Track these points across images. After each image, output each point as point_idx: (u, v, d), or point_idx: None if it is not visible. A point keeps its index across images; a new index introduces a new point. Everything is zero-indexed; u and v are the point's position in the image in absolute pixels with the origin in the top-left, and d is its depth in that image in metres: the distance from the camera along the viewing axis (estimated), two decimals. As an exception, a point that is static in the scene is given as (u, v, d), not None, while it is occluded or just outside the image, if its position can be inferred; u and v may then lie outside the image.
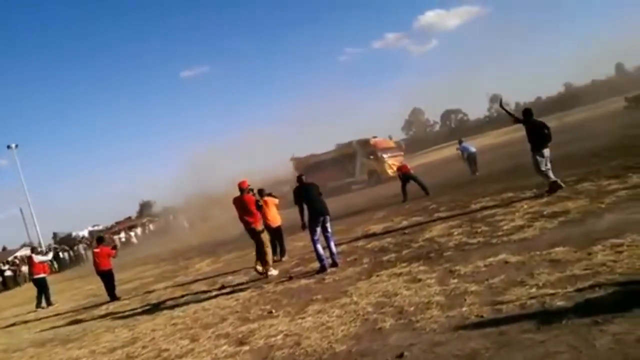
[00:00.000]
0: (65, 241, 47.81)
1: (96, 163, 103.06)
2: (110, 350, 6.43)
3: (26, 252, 42.75)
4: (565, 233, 6.08)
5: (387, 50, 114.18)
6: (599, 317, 3.43)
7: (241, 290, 8.12)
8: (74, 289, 16.06)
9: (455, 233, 7.82)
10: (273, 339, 5.01)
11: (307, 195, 8.01)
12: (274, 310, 6.14)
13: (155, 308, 8.67)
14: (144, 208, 65.37)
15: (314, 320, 5.24)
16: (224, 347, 5.19)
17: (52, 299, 13.27)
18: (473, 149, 17.29)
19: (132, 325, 7.77)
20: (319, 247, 7.80)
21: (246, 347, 4.99)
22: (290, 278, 7.96)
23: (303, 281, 7.46)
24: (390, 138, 29.79)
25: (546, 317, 3.72)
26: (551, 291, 4.21)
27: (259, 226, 8.89)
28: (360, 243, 9.35)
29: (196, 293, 9.04)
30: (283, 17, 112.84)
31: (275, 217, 9.97)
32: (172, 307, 8.27)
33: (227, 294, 8.05)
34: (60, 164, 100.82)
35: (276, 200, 10.25)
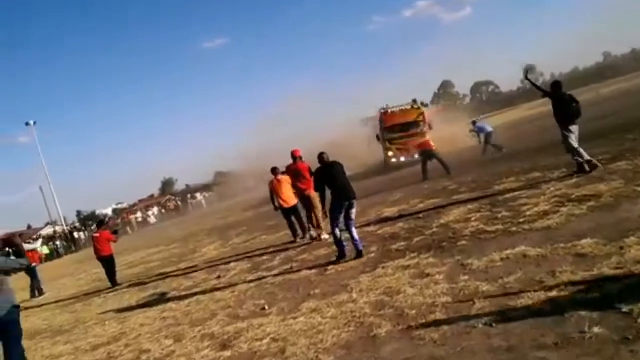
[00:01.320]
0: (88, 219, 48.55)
1: (122, 141, 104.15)
2: (93, 348, 6.04)
3: (49, 230, 43.90)
4: (594, 221, 5.27)
5: (417, 19, 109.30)
6: (629, 332, 2.78)
7: (240, 280, 7.58)
8: (82, 272, 16.00)
9: (473, 219, 7.03)
10: (258, 343, 4.43)
11: (330, 176, 6.88)
12: (267, 307, 5.56)
13: (150, 298, 8.25)
14: (166, 186, 66.10)
15: (305, 322, 4.62)
16: (205, 352, 4.65)
17: (44, 287, 12.93)
18: (489, 128, 16.18)
19: (123, 317, 7.37)
20: (338, 232, 6.77)
21: (228, 353, 4.43)
22: (292, 268, 7.35)
23: (304, 272, 6.84)
24: (416, 103, 23.58)
25: (566, 329, 3.02)
26: (574, 295, 3.49)
27: (313, 192, 8.71)
28: (372, 228, 8.66)
29: (195, 282, 8.57)
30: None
31: (290, 197, 9.48)
32: (167, 299, 7.83)
33: (226, 286, 7.50)
34: (86, 142, 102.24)
35: (290, 180, 9.65)
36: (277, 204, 9.57)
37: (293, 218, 9.67)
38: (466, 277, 4.52)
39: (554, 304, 3.49)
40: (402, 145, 21.80)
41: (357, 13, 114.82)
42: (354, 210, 6.84)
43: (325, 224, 8.81)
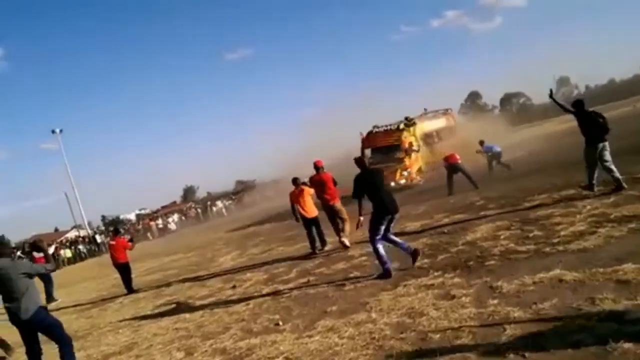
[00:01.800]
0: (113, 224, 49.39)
1: (146, 148, 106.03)
2: (104, 357, 5.95)
3: (74, 233, 44.82)
4: (636, 244, 4.86)
5: (446, 29, 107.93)
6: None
7: (255, 292, 7.35)
8: (103, 277, 16.02)
9: (502, 237, 6.65)
10: (270, 362, 4.18)
11: (372, 184, 6.37)
12: (281, 322, 5.32)
13: (165, 307, 8.11)
14: (188, 193, 66.85)
15: (321, 341, 4.36)
16: (214, 368, 4.42)
17: (55, 294, 12.85)
18: (498, 149, 15.67)
19: (137, 325, 7.24)
20: (381, 247, 6.25)
21: (237, 371, 4.19)
22: (308, 282, 7.09)
23: (322, 286, 6.56)
24: (408, 121, 19.80)
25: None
26: (617, 325, 3.17)
27: (337, 202, 9.08)
28: (392, 243, 8.32)
29: (210, 291, 8.39)
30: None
31: (312, 208, 9.42)
32: (181, 308, 7.67)
33: (240, 297, 7.30)
34: (112, 148, 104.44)
35: (312, 191, 9.63)
36: (298, 214, 9.43)
37: (314, 229, 9.46)
38: (495, 301, 4.18)
39: (594, 335, 3.16)
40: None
41: (384, 23, 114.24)
42: (393, 224, 6.47)
43: (351, 231, 8.85)
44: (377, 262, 6.37)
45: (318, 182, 9.25)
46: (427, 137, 20.44)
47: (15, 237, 48.30)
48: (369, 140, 20.15)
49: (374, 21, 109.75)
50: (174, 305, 7.99)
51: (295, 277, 7.69)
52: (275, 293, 6.92)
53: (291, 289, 6.87)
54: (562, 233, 5.97)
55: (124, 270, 10.96)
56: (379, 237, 6.25)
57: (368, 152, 19.63)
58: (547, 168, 13.59)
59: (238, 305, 6.79)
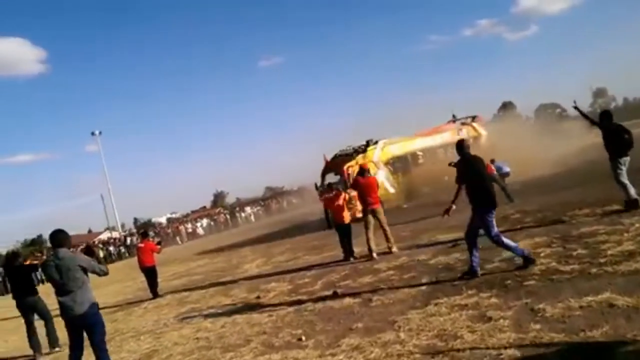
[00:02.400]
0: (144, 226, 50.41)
1: (179, 153, 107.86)
2: (123, 364, 5.77)
3: (106, 235, 45.97)
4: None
5: (478, 38, 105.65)
6: None
7: (279, 303, 7.13)
8: (130, 280, 16.20)
9: (542, 254, 6.20)
10: (290, 382, 3.94)
11: (479, 172, 5.91)
12: (304, 338, 5.07)
13: (187, 314, 7.99)
14: (217, 198, 67.65)
15: (345, 362, 4.08)
16: (232, 385, 4.20)
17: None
18: (507, 169, 14.31)
19: (158, 333, 7.14)
20: (506, 239, 5.83)
21: (256, 390, 3.96)
22: (335, 294, 6.82)
23: (347, 300, 6.28)
24: (369, 145, 18.23)
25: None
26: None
27: (380, 207, 9.08)
28: (422, 256, 7.95)
29: (233, 300, 8.23)
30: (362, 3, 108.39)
31: (346, 214, 9.61)
32: (204, 315, 7.53)
33: (264, 305, 7.11)
34: (146, 152, 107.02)
35: (346, 196, 9.83)
36: (331, 221, 9.38)
37: (344, 236, 9.52)
38: (538, 326, 3.80)
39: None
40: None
41: (414, 32, 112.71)
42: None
43: (394, 236, 9.13)
44: (471, 257, 6.01)
45: (365, 185, 9.16)
46: (402, 161, 18.56)
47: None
48: (331, 164, 18.46)
49: (403, 30, 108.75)
50: (196, 314, 7.86)
51: (320, 289, 7.44)
52: (299, 305, 6.68)
53: (315, 302, 6.61)
54: (609, 252, 5.49)
55: (151, 274, 10.89)
56: (495, 229, 5.86)
57: (330, 177, 17.92)
58: (587, 181, 12.85)
59: (261, 315, 6.58)
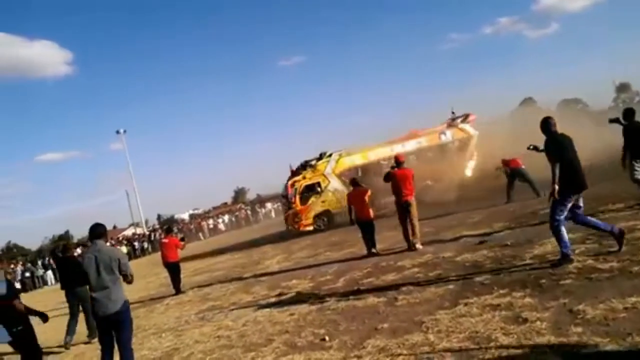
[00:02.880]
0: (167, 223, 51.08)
1: (201, 150, 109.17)
2: (144, 363, 5.70)
3: (131, 231, 46.76)
4: None
5: (498, 36, 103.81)
6: None
7: (300, 301, 6.98)
8: (153, 276, 16.31)
9: (577, 251, 5.88)
10: (314, 385, 3.77)
11: (571, 148, 5.57)
12: (327, 338, 4.90)
13: (208, 312, 7.92)
14: (238, 195, 68.06)
15: (371, 365, 3.89)
16: (254, 387, 4.06)
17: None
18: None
19: (180, 330, 7.09)
20: (564, 230, 5.50)
21: (278, 393, 3.81)
22: (358, 291, 6.63)
23: (371, 299, 6.08)
24: (323, 157, 18.19)
25: None
26: None
27: (413, 198, 9.03)
28: (448, 254, 7.70)
29: (254, 298, 8.13)
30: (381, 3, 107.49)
31: (368, 210, 9.64)
32: (225, 313, 7.45)
33: (285, 303, 6.97)
34: (169, 149, 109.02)
35: (369, 192, 9.83)
36: (353, 216, 9.61)
37: (366, 232, 9.56)
38: (579, 329, 3.54)
39: None
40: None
41: (435, 32, 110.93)
42: (581, 199, 5.69)
43: (421, 232, 9.09)
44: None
45: (402, 176, 9.11)
46: (364, 171, 17.70)
47: (77, 234, 51.15)
48: (295, 174, 18.27)
49: (424, 30, 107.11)
50: (217, 311, 7.78)
51: (343, 287, 7.26)
52: (321, 303, 6.51)
53: (338, 300, 6.43)
54: (651, 250, 5.17)
55: (174, 269, 10.87)
56: (563, 216, 5.51)
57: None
58: (616, 176, 12.21)
59: (282, 314, 6.45)
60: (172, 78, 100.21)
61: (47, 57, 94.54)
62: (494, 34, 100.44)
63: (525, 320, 3.97)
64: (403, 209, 9.06)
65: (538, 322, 3.86)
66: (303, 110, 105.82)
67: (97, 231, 4.77)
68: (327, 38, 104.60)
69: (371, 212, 9.67)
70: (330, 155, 17.95)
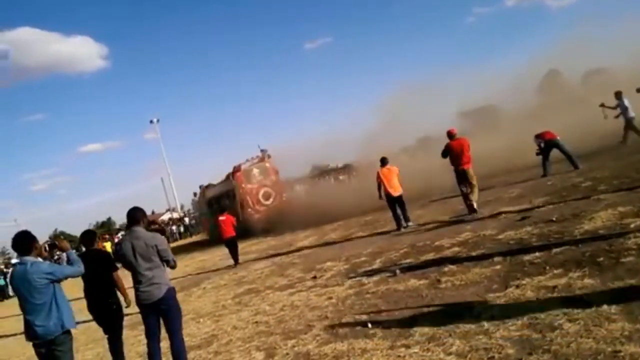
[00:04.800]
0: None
1: (230, 134, 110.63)
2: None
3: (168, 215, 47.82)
4: None
5: (520, 7, 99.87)
6: None
7: (337, 284, 6.81)
8: (189, 259, 16.54)
9: (632, 225, 5.47)
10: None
11: None
12: (370, 324, 4.69)
13: (245, 296, 7.87)
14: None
15: (422, 356, 3.66)
16: (298, 379, 3.91)
17: None
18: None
19: (218, 315, 7.06)
20: None
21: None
22: (395, 274, 6.40)
23: (412, 281, 5.84)
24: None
25: None
26: None
27: (471, 167, 9.40)
28: (489, 231, 7.35)
29: (289, 281, 8.01)
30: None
31: (397, 186, 10.10)
32: (261, 297, 7.36)
33: (322, 289, 6.80)
34: (203, 135, 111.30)
35: (397, 170, 10.38)
36: (383, 192, 10.06)
37: (397, 208, 10.03)
38: (656, 315, 3.21)
39: None
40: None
41: (456, 6, 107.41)
42: None
43: (450, 210, 9.87)
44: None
45: (458, 147, 9.44)
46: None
47: (118, 220, 52.64)
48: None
49: (447, 4, 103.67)
50: (253, 295, 7.71)
51: (379, 268, 7.05)
52: (359, 286, 6.32)
53: (377, 283, 6.22)
54: None
55: (233, 244, 12.06)
56: None
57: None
58: None
59: (320, 298, 6.29)
60: (199, 67, 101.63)
61: (83, 52, 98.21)
62: (516, 5, 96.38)
63: (590, 304, 3.64)
64: (462, 177, 9.37)
65: (605, 306, 3.53)
66: (328, 92, 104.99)
67: (134, 217, 4.58)
68: (352, 19, 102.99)
69: (399, 188, 10.08)
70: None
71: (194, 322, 7.10)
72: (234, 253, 12.08)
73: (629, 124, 12.93)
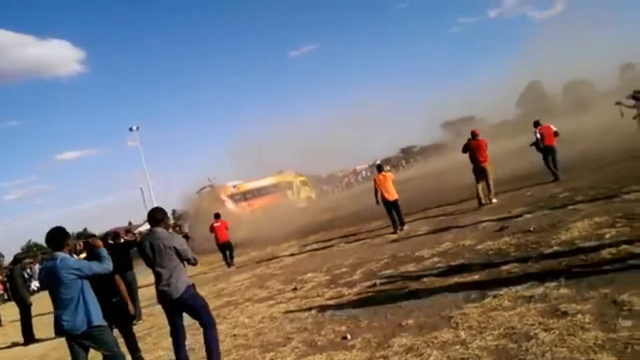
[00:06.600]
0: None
1: (211, 144, 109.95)
2: (159, 365, 5.51)
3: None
4: None
5: (504, 19, 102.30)
6: None
7: (317, 295, 6.76)
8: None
9: (608, 236, 5.57)
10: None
11: None
12: (349, 336, 4.65)
13: (223, 308, 7.74)
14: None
15: (399, 366, 3.63)
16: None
17: None
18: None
19: (195, 328, 6.76)
20: None
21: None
22: (375, 285, 6.37)
23: (391, 292, 5.82)
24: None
25: None
26: None
27: (488, 165, 10.61)
28: (468, 242, 7.40)
29: (269, 293, 7.92)
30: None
31: (392, 191, 10.51)
32: (240, 309, 7.25)
33: (302, 301, 6.73)
34: (184, 144, 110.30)
35: (393, 176, 11.00)
36: (379, 197, 10.51)
37: (393, 211, 10.47)
38: (629, 323, 3.24)
39: None
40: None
41: (441, 16, 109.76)
42: None
43: (433, 222, 10.22)
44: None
45: (477, 146, 10.65)
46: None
47: (95, 231, 51.58)
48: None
49: (431, 14, 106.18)
50: (232, 307, 7.59)
51: (360, 279, 7.01)
52: (339, 298, 6.28)
53: (357, 294, 6.19)
54: (692, 232, 4.84)
55: (228, 247, 13.00)
56: None
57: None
58: (632, 157, 11.68)
59: (300, 310, 6.22)
60: (180, 74, 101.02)
61: (60, 56, 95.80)
62: (499, 16, 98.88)
63: (565, 314, 3.67)
64: (479, 173, 10.61)
65: (580, 316, 3.56)
66: (312, 100, 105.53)
67: (155, 217, 4.64)
68: (335, 27, 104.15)
69: (394, 193, 10.55)
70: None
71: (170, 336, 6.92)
72: (230, 256, 13.10)
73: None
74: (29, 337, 9.47)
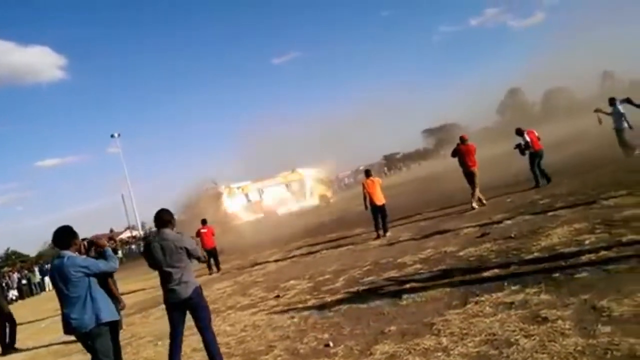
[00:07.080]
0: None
1: (194, 152, 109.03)
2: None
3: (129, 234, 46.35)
4: None
5: (484, 28, 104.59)
6: None
7: (299, 303, 6.70)
8: (153, 278, 15.86)
9: (587, 242, 5.65)
10: (322, 398, 3.48)
11: None
12: (331, 343, 4.61)
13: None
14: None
15: (382, 373, 3.60)
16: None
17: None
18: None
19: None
20: None
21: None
22: (358, 292, 6.35)
23: (374, 300, 5.79)
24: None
25: None
26: None
27: (477, 169, 10.94)
28: (450, 248, 7.44)
29: (252, 301, 7.82)
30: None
31: (380, 196, 10.63)
32: (222, 318, 7.14)
33: (284, 309, 6.65)
34: (166, 151, 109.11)
35: (381, 181, 11.16)
36: (368, 203, 10.62)
37: (380, 216, 10.63)
38: (608, 328, 3.28)
39: None
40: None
41: (422, 25, 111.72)
42: None
43: (414, 228, 10.39)
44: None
45: (466, 151, 10.98)
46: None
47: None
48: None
49: (412, 22, 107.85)
50: (214, 315, 7.42)
51: (343, 286, 6.97)
52: (322, 305, 6.23)
53: (339, 301, 6.15)
54: (667, 238, 4.94)
55: (214, 253, 13.22)
56: None
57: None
58: (611, 163, 11.90)
59: (282, 317, 6.15)
60: (163, 80, 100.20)
61: (41, 62, 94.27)
62: (480, 25, 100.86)
63: (546, 320, 3.70)
64: (469, 177, 10.94)
65: (560, 322, 3.59)
66: (295, 107, 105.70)
67: (163, 219, 4.60)
68: (318, 36, 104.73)
69: (382, 198, 10.65)
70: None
71: (151, 344, 6.80)
72: (215, 262, 13.39)
73: (617, 134, 12.15)
74: (7, 347, 9.16)
